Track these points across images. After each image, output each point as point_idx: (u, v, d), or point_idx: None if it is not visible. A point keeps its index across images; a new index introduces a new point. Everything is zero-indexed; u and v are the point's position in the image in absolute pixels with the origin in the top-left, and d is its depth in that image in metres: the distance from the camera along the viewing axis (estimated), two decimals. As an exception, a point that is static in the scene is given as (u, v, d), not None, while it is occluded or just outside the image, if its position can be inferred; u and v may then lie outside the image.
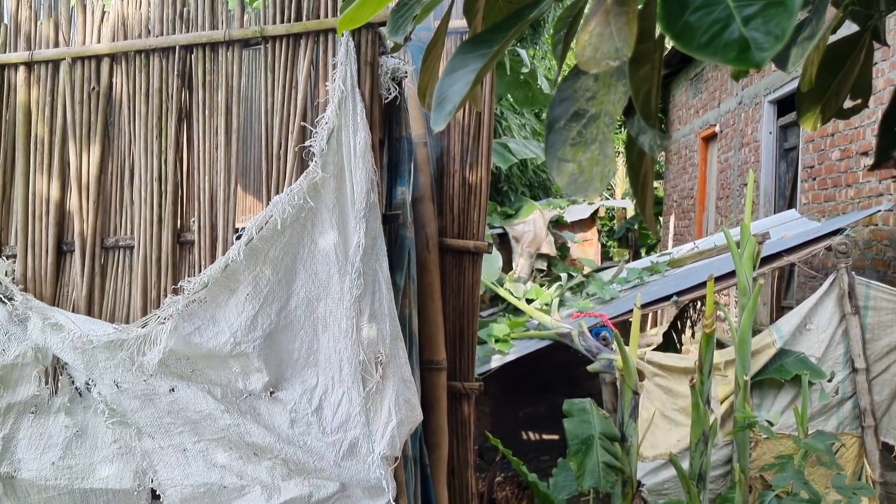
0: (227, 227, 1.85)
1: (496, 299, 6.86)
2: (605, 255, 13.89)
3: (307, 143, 1.79)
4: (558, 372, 6.83)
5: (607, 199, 13.27)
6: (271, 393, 1.72)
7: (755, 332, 5.51)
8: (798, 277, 7.80)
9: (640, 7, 0.77)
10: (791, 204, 8.23)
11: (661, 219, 12.75)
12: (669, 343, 8.11)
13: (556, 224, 8.41)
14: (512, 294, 6.74)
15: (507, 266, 7.76)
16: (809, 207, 7.49)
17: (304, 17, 1.85)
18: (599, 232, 10.92)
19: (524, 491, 5.18)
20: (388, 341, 1.67)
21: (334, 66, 1.80)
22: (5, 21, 2.01)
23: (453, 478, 2.61)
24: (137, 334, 1.76)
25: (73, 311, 1.93)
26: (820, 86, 1.22)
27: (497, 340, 6.03)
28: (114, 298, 1.94)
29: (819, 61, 1.15)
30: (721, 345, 6.05)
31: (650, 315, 8.79)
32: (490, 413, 7.04)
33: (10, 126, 2.01)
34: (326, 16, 1.84)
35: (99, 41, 1.94)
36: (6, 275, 1.92)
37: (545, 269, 7.87)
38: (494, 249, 7.58)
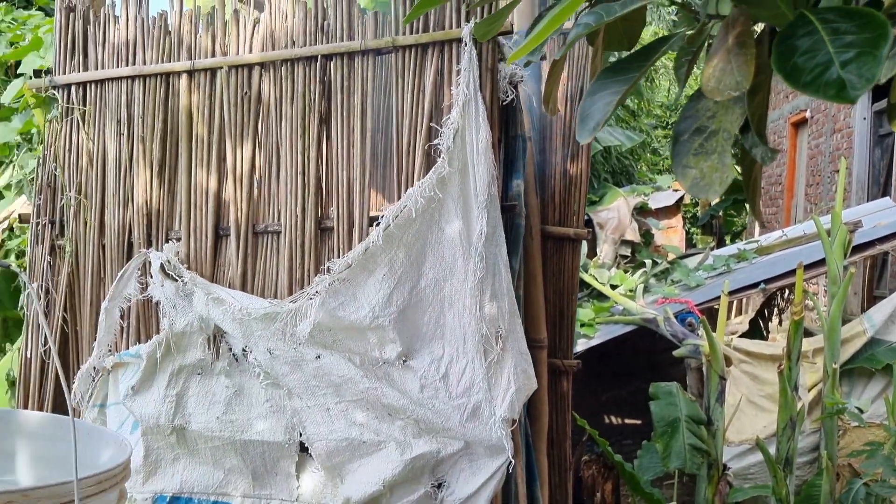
0: (363, 215, 2.10)
1: (581, 285, 6.95)
2: (689, 242, 13.73)
3: (434, 141, 2.02)
4: (642, 358, 6.88)
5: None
6: (404, 361, 1.97)
7: (845, 321, 5.49)
8: (891, 267, 7.65)
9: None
10: (885, 192, 8.05)
11: (746, 205, 12.54)
12: (756, 331, 8.05)
13: (641, 211, 8.44)
14: (597, 280, 6.81)
15: (592, 252, 7.83)
16: (905, 196, 7.32)
17: (431, 29, 2.08)
18: (684, 219, 10.84)
19: (610, 471, 5.31)
20: (507, 318, 1.89)
21: (458, 73, 2.02)
22: (170, 32, 2.31)
23: (552, 448, 2.83)
24: (289, 308, 2.03)
25: (229, 288, 2.22)
26: (910, 94, 1.35)
27: (582, 325, 6.14)
28: (263, 277, 2.22)
29: (909, 74, 1.29)
30: (809, 333, 6.04)
31: (734, 303, 8.74)
32: (573, 396, 7.17)
33: (174, 126, 2.31)
34: (451, 27, 2.06)
35: (250, 51, 2.22)
36: (174, 255, 2.23)
37: (629, 255, 7.93)
38: (579, 235, 7.68)
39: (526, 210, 2.43)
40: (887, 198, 7.59)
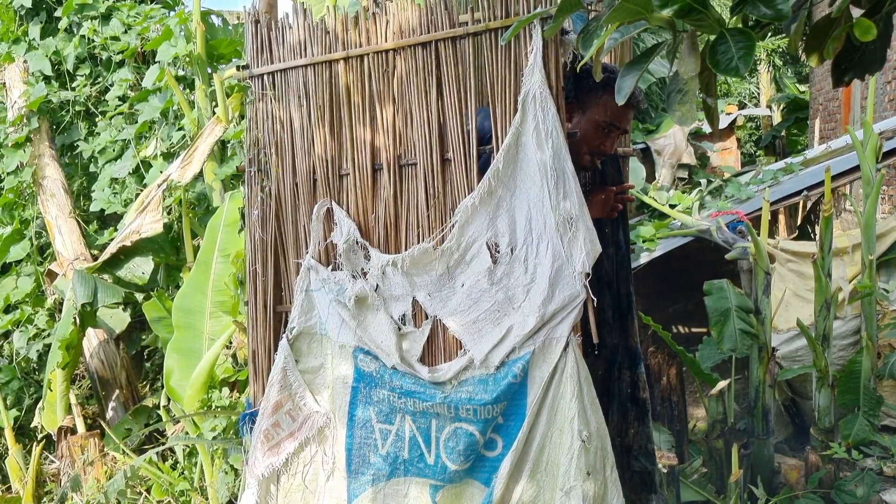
0: (471, 150, 3.07)
1: (642, 206, 7.62)
2: (753, 163, 14.15)
3: (520, 97, 2.96)
4: (705, 271, 7.60)
5: (746, 105, 13.40)
6: (512, 251, 2.95)
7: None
8: (935, 168, 8.13)
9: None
10: (929, 100, 8.48)
11: (808, 122, 12.88)
12: (804, 234, 8.73)
13: (695, 135, 9.09)
14: (656, 200, 7.47)
15: (651, 177, 8.60)
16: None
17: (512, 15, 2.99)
18: (739, 140, 11.34)
19: (673, 359, 6.18)
20: (577, 207, 2.86)
21: (532, 48, 2.94)
22: (328, 32, 3.30)
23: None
24: (440, 251, 3.00)
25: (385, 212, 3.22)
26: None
27: (644, 241, 6.91)
28: (407, 197, 3.21)
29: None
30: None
31: (789, 212, 9.33)
32: (642, 310, 8.01)
33: (338, 98, 3.32)
34: (527, 12, 2.97)
35: (386, 41, 3.19)
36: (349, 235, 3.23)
37: (686, 177, 8.67)
38: (638, 162, 8.40)
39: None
40: (927, 105, 8.07)
